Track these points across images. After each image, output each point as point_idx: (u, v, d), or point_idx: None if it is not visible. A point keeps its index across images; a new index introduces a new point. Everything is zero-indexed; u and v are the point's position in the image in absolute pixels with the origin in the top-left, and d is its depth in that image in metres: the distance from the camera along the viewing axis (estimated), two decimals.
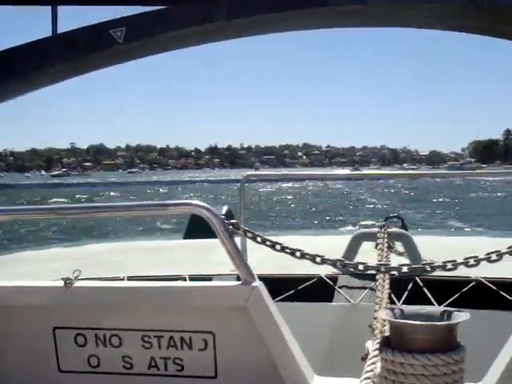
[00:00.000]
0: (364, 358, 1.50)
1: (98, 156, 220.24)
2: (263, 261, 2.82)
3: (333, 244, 3.50)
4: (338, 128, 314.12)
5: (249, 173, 3.81)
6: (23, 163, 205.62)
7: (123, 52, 49.22)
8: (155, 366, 1.97)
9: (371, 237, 3.16)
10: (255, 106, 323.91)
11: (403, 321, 1.36)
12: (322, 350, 2.40)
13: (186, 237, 4.97)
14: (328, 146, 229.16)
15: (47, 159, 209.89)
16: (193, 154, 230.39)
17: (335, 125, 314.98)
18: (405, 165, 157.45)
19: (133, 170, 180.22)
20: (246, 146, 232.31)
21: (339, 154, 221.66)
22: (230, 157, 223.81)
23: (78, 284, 1.96)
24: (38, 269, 3.52)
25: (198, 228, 3.47)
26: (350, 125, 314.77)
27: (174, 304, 1.94)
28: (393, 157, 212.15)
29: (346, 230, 14.29)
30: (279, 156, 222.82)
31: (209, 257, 3.43)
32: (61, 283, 1.97)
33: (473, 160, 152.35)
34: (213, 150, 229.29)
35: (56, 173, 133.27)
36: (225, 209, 4.75)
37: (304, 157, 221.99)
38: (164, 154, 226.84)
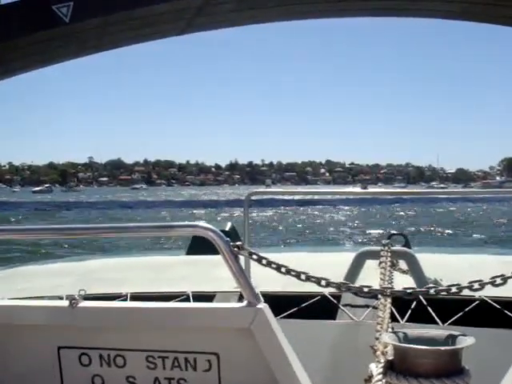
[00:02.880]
0: (367, 380, 1.50)
1: (114, 171, 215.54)
2: (268, 278, 2.80)
3: (337, 262, 3.62)
4: (362, 145, 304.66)
5: (253, 191, 3.73)
6: (38, 177, 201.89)
7: (70, 36, 38.89)
8: None
9: (375, 255, 3.16)
10: (277, 121, 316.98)
11: (408, 345, 1.35)
12: (325, 369, 2.43)
13: (188, 253, 5.07)
14: (352, 163, 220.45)
15: (62, 173, 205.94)
16: (213, 169, 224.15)
17: (359, 141, 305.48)
18: (433, 183, 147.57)
19: (136, 186, 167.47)
20: (267, 162, 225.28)
21: (363, 172, 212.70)
22: (250, 173, 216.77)
23: (83, 304, 1.96)
24: (40, 284, 3.57)
25: (200, 244, 3.48)
26: (374, 141, 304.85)
27: (179, 325, 1.94)
28: (418, 175, 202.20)
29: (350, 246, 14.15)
30: (301, 173, 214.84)
31: (211, 273, 3.50)
32: (66, 303, 1.97)
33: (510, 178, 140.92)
34: (233, 166, 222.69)
35: (38, 188, 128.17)
36: (229, 225, 5.29)
37: (327, 174, 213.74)
38: (183, 170, 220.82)
